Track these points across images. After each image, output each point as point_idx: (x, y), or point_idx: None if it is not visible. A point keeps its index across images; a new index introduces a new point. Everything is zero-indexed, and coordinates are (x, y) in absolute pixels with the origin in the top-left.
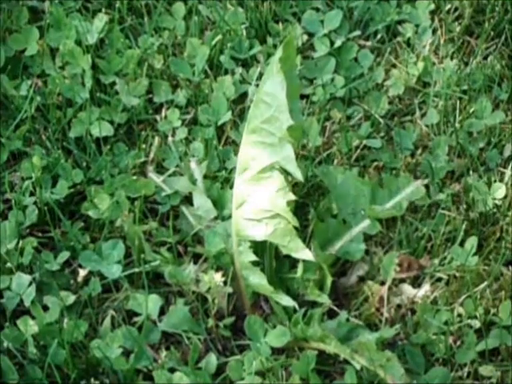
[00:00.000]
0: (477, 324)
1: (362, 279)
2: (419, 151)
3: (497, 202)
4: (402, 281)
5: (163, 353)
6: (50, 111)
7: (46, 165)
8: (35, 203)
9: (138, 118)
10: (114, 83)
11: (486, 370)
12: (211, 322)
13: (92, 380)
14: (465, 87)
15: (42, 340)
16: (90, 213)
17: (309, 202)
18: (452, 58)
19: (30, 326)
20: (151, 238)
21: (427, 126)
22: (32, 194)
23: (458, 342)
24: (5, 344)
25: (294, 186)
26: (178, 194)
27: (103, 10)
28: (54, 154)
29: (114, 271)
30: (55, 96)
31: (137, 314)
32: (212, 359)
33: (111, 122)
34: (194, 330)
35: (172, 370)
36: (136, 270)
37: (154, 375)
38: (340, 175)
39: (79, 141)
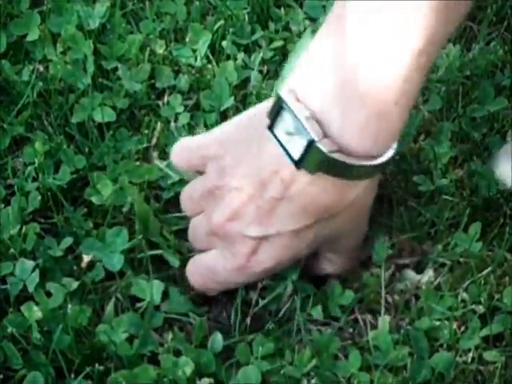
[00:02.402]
0: (481, 309)
1: (363, 265)
2: (422, 137)
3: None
4: (405, 266)
5: (168, 335)
6: (52, 97)
7: (49, 150)
8: (38, 189)
9: (140, 104)
10: (116, 68)
11: (490, 355)
12: None
13: (96, 365)
14: (467, 73)
15: (46, 326)
16: (93, 199)
17: None
18: (454, 44)
19: (34, 312)
20: None
21: (430, 111)
22: (34, 180)
23: (462, 328)
24: (9, 330)
25: None
26: (182, 180)
27: None
28: (56, 140)
29: (116, 262)
30: (57, 81)
31: (140, 300)
32: (218, 338)
33: (113, 108)
34: (197, 312)
35: (177, 352)
36: (139, 256)
37: (159, 359)
38: None
39: (81, 126)
